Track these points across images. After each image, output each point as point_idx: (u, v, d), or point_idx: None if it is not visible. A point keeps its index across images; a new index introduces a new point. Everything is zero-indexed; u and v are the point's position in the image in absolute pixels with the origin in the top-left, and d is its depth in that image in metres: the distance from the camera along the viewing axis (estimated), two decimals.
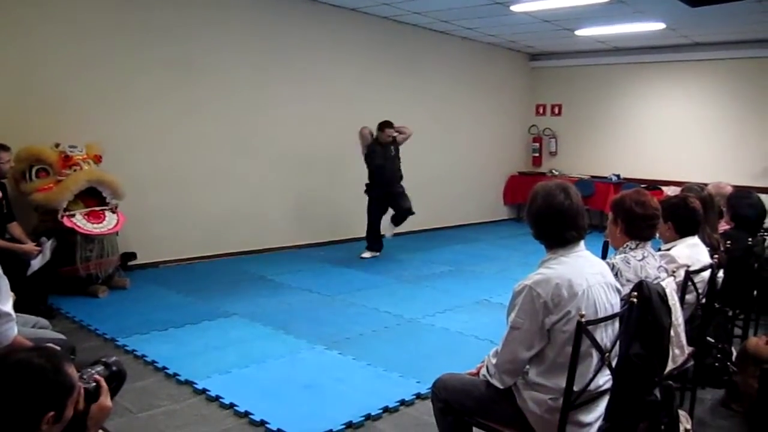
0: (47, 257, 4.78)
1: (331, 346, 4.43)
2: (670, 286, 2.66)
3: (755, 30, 8.29)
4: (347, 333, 4.74)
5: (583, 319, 2.06)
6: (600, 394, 2.29)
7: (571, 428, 2.18)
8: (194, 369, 3.90)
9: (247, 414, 3.33)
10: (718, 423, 3.41)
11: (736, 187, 4.86)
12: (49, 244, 4.83)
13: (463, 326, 4.99)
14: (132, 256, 6.26)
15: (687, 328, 2.92)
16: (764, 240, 4.42)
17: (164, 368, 3.93)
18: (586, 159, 10.95)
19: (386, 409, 3.47)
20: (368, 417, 3.36)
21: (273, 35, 7.41)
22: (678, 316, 2.74)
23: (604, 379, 2.30)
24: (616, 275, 2.53)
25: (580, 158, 11.02)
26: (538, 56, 11.40)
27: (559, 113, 11.36)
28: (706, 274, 3.14)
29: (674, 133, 9.94)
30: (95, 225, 5.39)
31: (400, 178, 7.44)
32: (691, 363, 3.04)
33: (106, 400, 1.70)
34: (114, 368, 1.82)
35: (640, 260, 2.75)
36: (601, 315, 2.21)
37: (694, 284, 3.03)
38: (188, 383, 3.72)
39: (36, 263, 4.64)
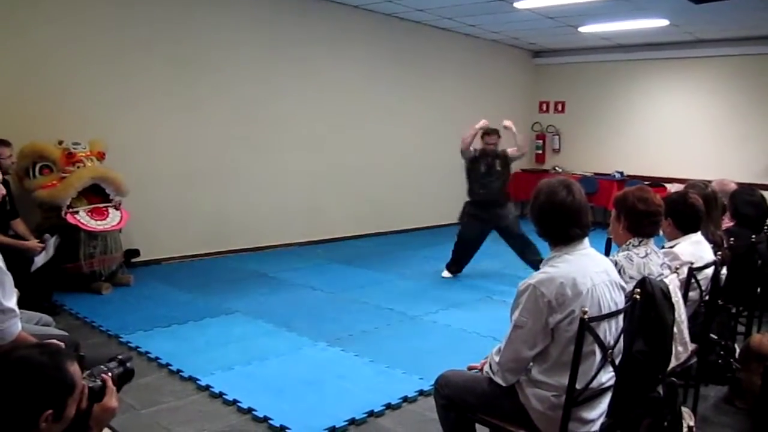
0: (50, 254, 4.79)
1: (333, 343, 4.44)
2: (673, 283, 2.66)
3: (759, 27, 8.25)
4: (350, 330, 4.74)
5: (585, 316, 2.06)
6: (603, 391, 2.29)
7: (573, 425, 2.18)
8: (197, 365, 3.90)
9: (250, 410, 3.34)
10: (721, 420, 3.41)
11: (739, 184, 4.84)
12: (52, 241, 4.84)
13: (466, 323, 4.99)
14: (135, 252, 6.27)
15: (690, 325, 2.91)
16: (767, 237, 4.41)
17: (167, 365, 3.94)
18: (590, 156, 10.92)
19: (389, 406, 3.47)
20: (371, 413, 3.37)
21: (276, 32, 7.41)
22: (681, 313, 2.73)
23: (607, 376, 2.29)
24: (619, 272, 2.52)
25: (584, 155, 11.00)
26: (541, 53, 11.37)
27: (563, 110, 11.33)
28: (710, 271, 3.13)
29: (678, 130, 9.92)
30: (99, 222, 5.40)
31: (505, 199, 6.42)
32: (695, 360, 3.03)
33: (110, 400, 1.67)
34: (128, 365, 1.81)
35: (643, 257, 2.74)
36: (605, 313, 2.20)
37: (697, 281, 3.02)
38: (191, 380, 3.73)
39: (39, 260, 4.65)
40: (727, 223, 4.19)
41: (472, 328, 4.85)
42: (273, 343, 4.41)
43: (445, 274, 6.55)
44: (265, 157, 7.48)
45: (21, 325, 2.38)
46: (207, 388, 3.62)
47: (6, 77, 5.47)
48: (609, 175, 10.37)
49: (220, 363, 3.98)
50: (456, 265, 6.53)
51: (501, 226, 6.32)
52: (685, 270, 2.93)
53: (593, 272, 2.23)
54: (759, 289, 4.11)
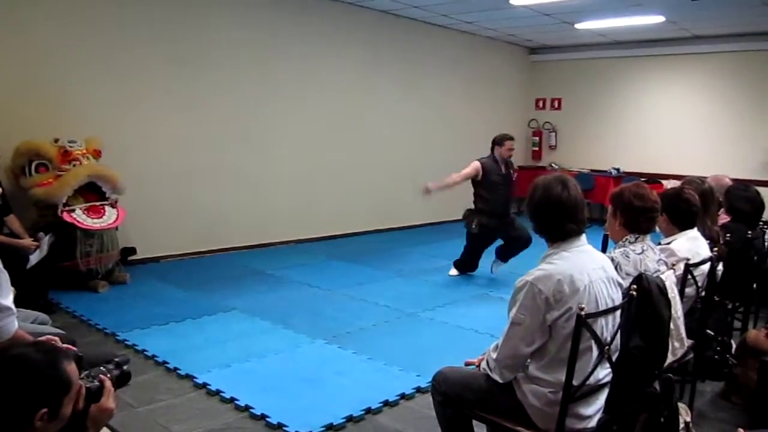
0: (44, 252, 4.78)
1: (331, 340, 4.44)
2: (669, 279, 2.67)
3: (755, 23, 8.27)
4: (347, 327, 4.75)
5: (582, 313, 2.06)
6: (600, 387, 2.29)
7: (570, 421, 2.18)
8: (194, 363, 3.90)
9: (247, 408, 3.34)
10: (717, 415, 3.42)
11: (734, 180, 4.85)
12: (46, 239, 4.83)
13: (463, 320, 5.00)
14: (132, 250, 6.26)
15: (687, 321, 2.92)
16: (764, 233, 4.42)
17: (165, 363, 3.94)
18: (586, 153, 10.93)
19: (386, 403, 3.47)
20: (369, 410, 3.37)
21: (272, 30, 7.40)
22: (678, 309, 2.74)
23: (604, 373, 2.30)
24: (615, 269, 2.53)
25: (580, 152, 11.01)
26: (537, 50, 11.37)
27: (559, 107, 11.34)
28: (706, 267, 3.14)
29: (674, 127, 9.93)
30: (95, 220, 5.39)
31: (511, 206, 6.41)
32: (691, 355, 3.04)
33: (108, 401, 1.66)
34: (125, 368, 1.80)
35: (639, 254, 2.74)
36: (602, 310, 2.21)
37: (693, 277, 3.03)
38: (189, 377, 3.73)
39: (33, 258, 4.63)
40: (723, 218, 4.20)
41: (470, 325, 4.85)
42: (271, 341, 4.41)
43: (453, 272, 6.52)
44: (263, 154, 7.48)
45: (17, 323, 2.37)
46: (204, 385, 3.62)
47: (3, 75, 5.45)
48: (605, 171, 10.39)
49: (217, 360, 3.98)
50: (469, 267, 6.48)
51: (511, 235, 6.21)
52: (681, 266, 2.94)
53: (590, 269, 2.23)
54: (755, 285, 4.13)
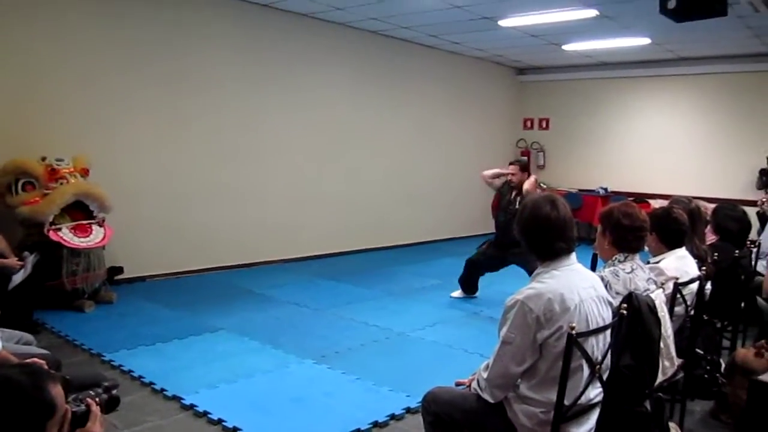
0: (28, 271, 4.71)
1: (320, 360, 4.40)
2: (659, 298, 2.67)
3: (739, 45, 8.41)
4: (336, 347, 4.71)
5: (573, 332, 2.06)
6: (591, 407, 2.28)
7: None
8: (181, 384, 3.85)
9: (235, 429, 3.29)
10: None
11: (722, 200, 4.90)
12: (31, 258, 4.77)
13: (453, 339, 4.97)
14: (119, 270, 6.20)
15: (676, 340, 2.92)
16: (751, 252, 4.46)
17: (151, 383, 3.88)
18: (574, 172, 11.01)
19: (376, 424, 3.44)
20: (357, 431, 3.33)
21: (262, 50, 7.43)
22: (667, 328, 2.74)
23: (595, 392, 2.29)
24: (605, 287, 2.53)
25: (568, 171, 11.08)
26: (525, 70, 11.49)
27: (547, 127, 11.43)
28: (695, 285, 3.15)
29: (661, 147, 10.03)
30: (82, 239, 5.34)
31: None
32: (681, 375, 3.04)
33: (94, 426, 1.62)
34: (114, 393, 1.77)
35: (629, 273, 2.75)
36: (592, 329, 2.20)
37: (682, 296, 3.04)
38: (175, 398, 3.68)
39: (17, 278, 4.57)
40: (711, 237, 4.23)
41: (459, 345, 4.83)
42: (259, 361, 4.37)
43: (457, 294, 6.39)
44: (251, 173, 7.46)
45: (1, 344, 2.34)
46: (192, 407, 3.57)
47: None
48: (593, 190, 10.46)
49: (205, 381, 3.93)
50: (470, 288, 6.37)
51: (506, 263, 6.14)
52: (670, 285, 2.95)
53: (581, 288, 2.24)
54: (742, 304, 4.14)
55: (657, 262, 3.26)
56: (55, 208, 5.24)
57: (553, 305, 2.13)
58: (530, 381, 2.21)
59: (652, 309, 2.50)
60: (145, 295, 6.04)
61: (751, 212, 4.59)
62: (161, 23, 6.49)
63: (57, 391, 1.52)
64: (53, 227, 5.22)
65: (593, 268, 3.25)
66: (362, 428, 3.36)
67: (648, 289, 2.71)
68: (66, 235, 5.26)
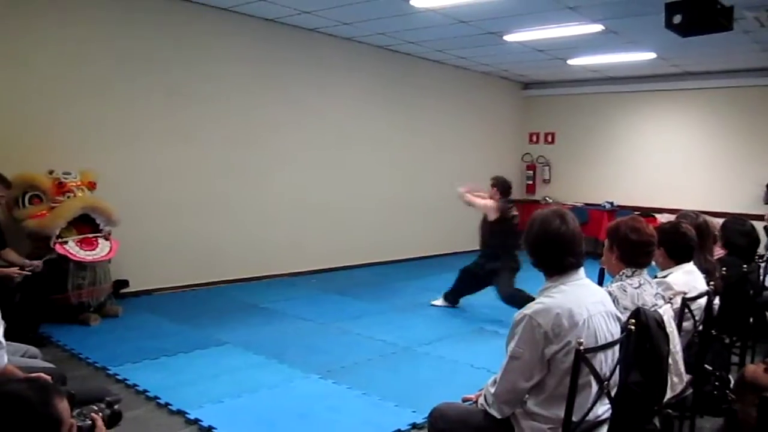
0: (39, 267, 4.83)
1: (325, 375, 4.38)
2: (667, 314, 2.65)
3: (744, 59, 8.42)
4: (342, 362, 4.69)
5: (581, 347, 2.04)
6: (599, 424, 2.26)
7: None
8: (186, 398, 3.84)
9: None
10: None
11: (729, 214, 4.88)
12: (40, 263, 4.84)
13: (459, 354, 4.95)
14: (124, 283, 6.21)
15: (685, 356, 2.89)
16: (759, 267, 4.43)
17: (156, 398, 3.87)
18: (580, 186, 11.00)
19: None
20: None
21: (268, 64, 7.47)
22: (676, 344, 2.72)
23: (603, 409, 2.27)
24: (613, 302, 2.51)
25: (574, 186, 11.07)
26: (531, 85, 11.52)
27: (553, 141, 11.44)
28: (703, 301, 3.12)
29: (667, 161, 10.02)
30: (88, 252, 5.35)
31: (499, 251, 6.06)
32: (690, 391, 3.01)
33: None
34: (116, 408, 1.77)
35: (636, 288, 2.73)
36: (601, 344, 2.19)
37: (691, 311, 3.01)
38: (180, 413, 3.66)
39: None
40: (719, 252, 4.20)
41: (466, 360, 4.80)
42: (264, 376, 4.35)
43: (440, 302, 6.56)
44: (257, 187, 7.48)
45: (7, 357, 2.33)
46: (196, 421, 3.55)
47: None
48: (599, 205, 10.44)
49: (209, 396, 3.91)
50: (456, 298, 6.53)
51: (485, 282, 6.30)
52: (678, 300, 2.92)
53: (589, 303, 2.22)
54: (751, 319, 4.11)
55: (665, 277, 3.23)
56: (62, 222, 5.26)
57: (561, 320, 2.12)
58: (538, 397, 2.19)
59: (660, 324, 2.48)
60: (151, 308, 6.03)
61: (759, 226, 4.56)
62: (164, 36, 6.53)
63: (63, 406, 1.52)
64: (60, 240, 5.24)
65: (600, 283, 3.23)
66: None
67: (656, 305, 2.69)
68: (72, 249, 5.27)
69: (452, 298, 6.54)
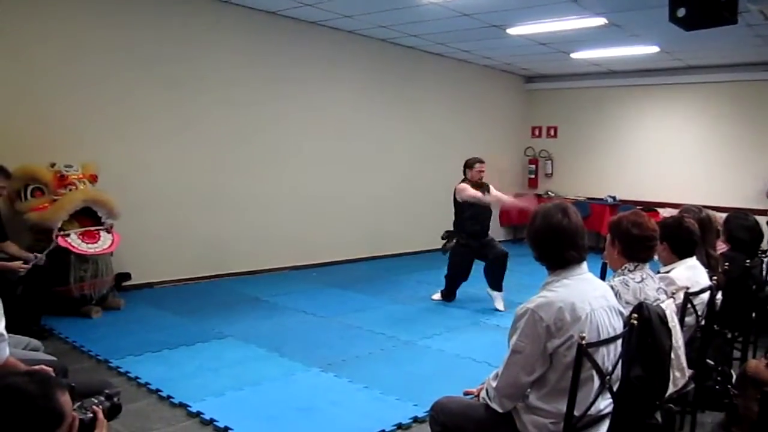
0: (42, 261, 4.84)
1: (326, 369, 4.38)
2: (669, 308, 2.64)
3: (748, 54, 8.38)
4: (343, 355, 4.69)
5: (583, 342, 2.04)
6: (601, 418, 2.26)
7: None
8: (188, 391, 3.84)
9: None
10: None
11: (733, 209, 4.86)
12: (42, 255, 4.84)
13: (460, 348, 4.95)
14: (126, 276, 6.21)
15: (687, 351, 2.89)
16: (762, 262, 4.41)
17: (158, 390, 3.87)
18: (582, 180, 10.98)
19: None
20: None
21: (269, 58, 7.45)
22: (678, 339, 2.71)
23: (605, 403, 2.27)
24: (615, 297, 2.51)
25: (576, 180, 11.05)
26: (533, 78, 11.48)
27: (555, 135, 11.41)
28: (705, 296, 3.12)
29: (670, 155, 10.00)
30: (90, 245, 5.35)
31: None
32: (692, 386, 3.00)
33: None
34: (116, 400, 1.77)
35: (638, 282, 2.73)
36: (603, 339, 2.18)
37: (693, 306, 3.01)
38: (182, 406, 3.67)
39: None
40: (722, 246, 4.19)
41: (467, 354, 4.80)
42: (265, 369, 4.36)
43: (437, 296, 6.60)
44: (259, 180, 7.47)
45: (9, 350, 2.33)
46: (198, 414, 3.55)
47: None
48: (601, 199, 10.42)
49: (211, 389, 3.92)
50: (451, 294, 6.55)
51: (490, 256, 6.33)
52: (681, 295, 2.92)
53: (592, 297, 2.21)
54: (753, 314, 4.10)
55: (667, 272, 3.22)
56: (64, 214, 5.26)
57: (563, 314, 2.11)
58: (540, 391, 2.18)
59: (663, 319, 2.47)
60: (153, 301, 6.04)
61: (762, 221, 4.55)
62: (166, 28, 6.51)
63: (65, 399, 1.52)
64: (61, 233, 5.24)
65: (603, 278, 3.22)
66: None
67: (658, 299, 2.68)
68: (74, 241, 5.27)
69: (447, 293, 6.57)
